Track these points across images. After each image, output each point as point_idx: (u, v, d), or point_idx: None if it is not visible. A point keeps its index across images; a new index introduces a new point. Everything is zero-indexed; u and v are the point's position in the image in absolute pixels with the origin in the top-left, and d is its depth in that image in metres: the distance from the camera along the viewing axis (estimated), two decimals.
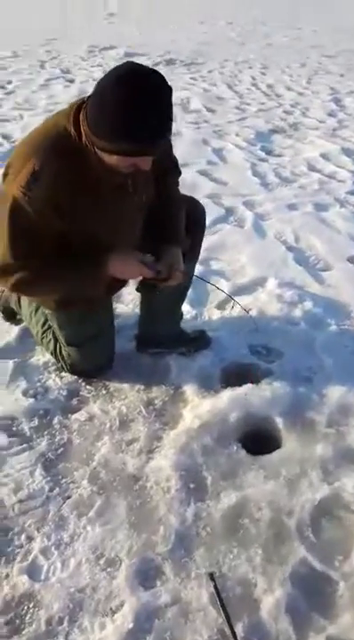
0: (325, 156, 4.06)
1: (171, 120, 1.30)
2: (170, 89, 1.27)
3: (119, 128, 1.26)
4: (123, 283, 1.86)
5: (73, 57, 7.84)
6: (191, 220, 1.79)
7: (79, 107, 1.40)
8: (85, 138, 1.38)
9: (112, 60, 7.70)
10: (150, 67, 1.28)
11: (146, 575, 1.38)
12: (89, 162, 1.41)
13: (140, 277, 1.69)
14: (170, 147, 1.72)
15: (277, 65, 7.52)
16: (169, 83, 1.28)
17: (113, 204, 1.52)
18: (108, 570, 1.40)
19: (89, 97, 1.35)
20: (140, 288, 1.93)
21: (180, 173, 1.83)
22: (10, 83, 6.23)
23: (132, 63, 1.27)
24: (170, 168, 1.75)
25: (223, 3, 14.82)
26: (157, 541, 1.45)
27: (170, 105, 1.28)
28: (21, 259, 1.50)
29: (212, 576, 1.35)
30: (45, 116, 5.14)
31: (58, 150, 1.40)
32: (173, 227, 1.71)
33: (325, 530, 1.45)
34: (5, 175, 1.47)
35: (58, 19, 11.93)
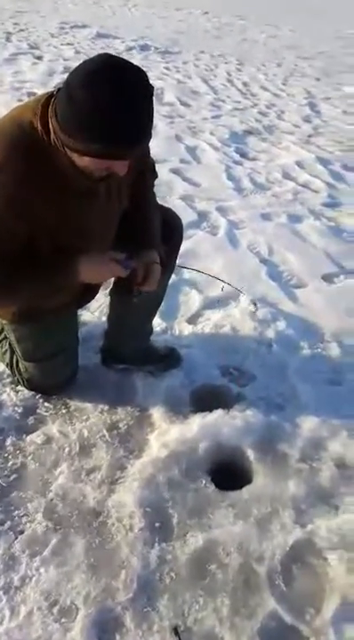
0: (299, 164, 4.01)
1: (151, 121, 1.16)
2: (151, 87, 1.13)
3: (93, 128, 1.10)
4: (94, 293, 1.71)
5: (42, 32, 7.50)
6: (168, 232, 1.66)
7: (48, 100, 1.23)
8: (54, 135, 1.21)
9: (84, 40, 7.41)
10: (130, 61, 1.13)
11: (104, 627, 1.26)
12: (57, 162, 1.24)
13: (113, 279, 1.54)
14: (148, 149, 1.57)
15: (253, 62, 7.44)
16: (149, 81, 1.13)
17: (82, 211, 1.36)
18: (63, 620, 1.27)
19: (59, 90, 1.18)
20: (113, 293, 1.78)
21: (156, 176, 1.69)
22: None
23: (111, 56, 1.11)
24: (147, 171, 1.61)
25: None
26: (118, 587, 1.33)
27: (150, 105, 1.13)
28: None
29: (176, 630, 1.25)
30: (11, 94, 4.87)
31: (20, 146, 1.23)
32: (149, 231, 1.58)
33: (296, 578, 1.38)
34: None
35: None
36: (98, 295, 2.20)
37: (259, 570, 1.39)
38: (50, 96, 1.24)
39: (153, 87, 1.15)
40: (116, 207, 1.50)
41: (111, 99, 1.07)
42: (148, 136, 1.18)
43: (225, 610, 1.30)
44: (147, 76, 1.13)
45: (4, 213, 1.26)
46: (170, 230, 1.69)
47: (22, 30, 7.62)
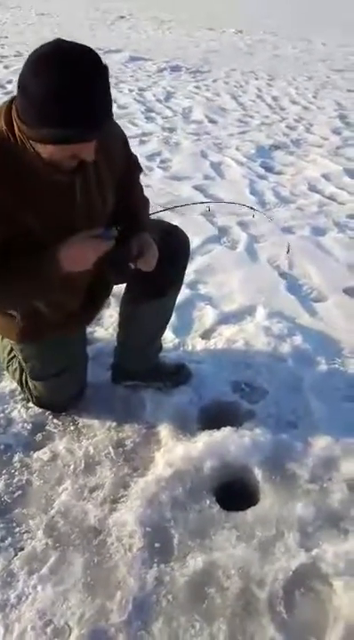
0: (326, 177, 3.94)
1: (107, 101, 1.15)
2: (105, 66, 1.12)
3: (48, 113, 1.10)
4: (99, 302, 1.71)
5: None
6: (173, 250, 1.65)
7: (11, 101, 1.23)
8: (18, 131, 1.21)
9: (116, 64, 7.60)
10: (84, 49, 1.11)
11: None
12: (26, 160, 1.24)
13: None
14: (126, 144, 1.56)
15: (284, 77, 7.42)
16: (101, 60, 1.12)
17: (60, 208, 1.34)
18: None
19: None
20: (124, 301, 1.74)
21: (140, 170, 1.67)
22: (10, 82, 6.10)
23: (59, 39, 1.12)
24: (130, 167, 1.59)
25: (235, 10, 14.75)
26: (113, 609, 1.31)
27: (105, 84, 1.13)
28: None
29: None
30: None
31: None
32: (137, 217, 1.53)
33: (298, 605, 1.31)
34: None
35: (68, 20, 11.83)
36: (110, 311, 2.24)
37: (259, 595, 1.33)
38: (13, 97, 1.24)
39: (106, 66, 1.13)
40: (100, 204, 1.45)
41: (62, 81, 1.07)
42: (105, 115, 1.16)
43: (222, 636, 1.26)
44: (98, 56, 1.12)
45: None
46: (175, 247, 1.67)
47: None
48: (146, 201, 1.66)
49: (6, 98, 4.26)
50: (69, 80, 1.07)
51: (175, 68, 7.51)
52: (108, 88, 1.15)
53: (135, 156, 1.64)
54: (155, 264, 1.48)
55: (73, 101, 1.08)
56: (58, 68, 1.07)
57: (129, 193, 1.57)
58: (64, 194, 1.35)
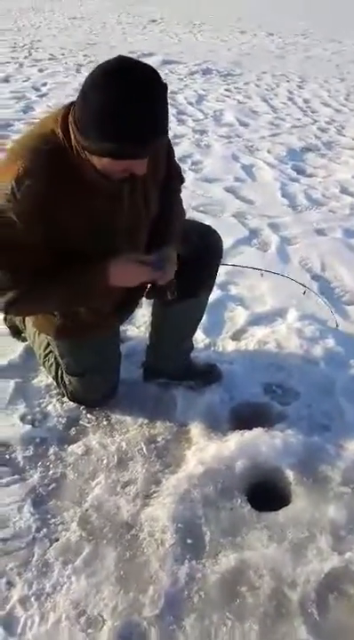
0: None
1: (165, 119, 1.17)
2: (164, 85, 1.14)
3: (106, 128, 1.13)
4: (133, 304, 1.74)
5: None
6: (206, 250, 1.66)
7: (68, 107, 1.27)
8: (74, 139, 1.24)
9: None
10: (148, 64, 1.15)
11: None
12: (79, 167, 1.28)
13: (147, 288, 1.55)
14: (172, 153, 1.58)
15: (315, 79, 7.36)
16: (162, 79, 1.15)
17: (106, 212, 1.38)
18: (89, 631, 1.28)
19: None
20: (151, 294, 1.72)
21: (183, 181, 1.69)
22: (45, 85, 6.21)
23: (122, 57, 1.14)
24: (173, 176, 1.60)
25: (266, 13, 14.69)
26: (145, 603, 1.32)
27: (163, 103, 1.15)
28: (10, 274, 1.36)
29: None
30: None
31: (44, 154, 1.27)
32: (168, 232, 1.56)
33: (331, 608, 1.31)
34: None
35: (100, 24, 11.97)
36: (143, 311, 2.26)
37: (291, 596, 1.33)
38: (71, 104, 1.27)
39: (166, 85, 1.16)
40: (144, 212, 1.49)
41: (122, 99, 1.10)
42: (162, 134, 1.19)
43: (253, 635, 1.26)
44: (158, 75, 1.15)
45: (33, 220, 1.29)
46: (209, 248, 1.69)
47: (92, 62, 8.00)
48: (181, 213, 1.67)
49: (40, 100, 4.34)
50: (129, 98, 1.10)
51: (207, 71, 7.52)
52: (166, 106, 1.17)
53: (179, 167, 1.66)
54: (171, 277, 1.49)
55: (130, 119, 1.12)
56: (119, 85, 1.10)
57: (167, 202, 1.59)
58: (112, 201, 1.38)
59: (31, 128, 1.37)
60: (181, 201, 1.66)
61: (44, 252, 1.36)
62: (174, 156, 1.60)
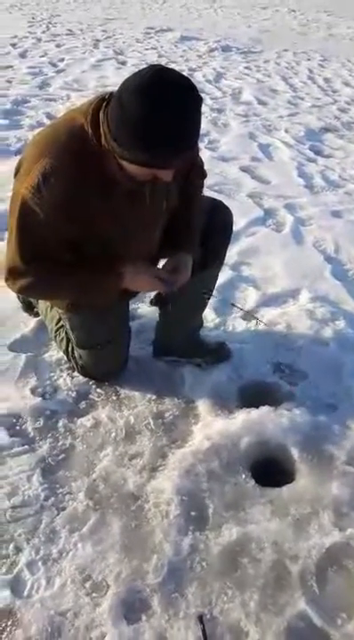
0: None
1: (197, 132, 1.21)
2: (198, 99, 1.16)
3: (139, 139, 1.16)
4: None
5: (128, 38, 7.72)
6: (217, 227, 1.67)
7: (99, 105, 1.28)
8: (104, 140, 1.27)
9: (168, 43, 7.55)
10: (182, 73, 1.17)
11: (132, 606, 1.30)
12: (105, 165, 1.31)
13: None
14: (197, 151, 1.60)
15: (338, 58, 7.19)
16: (198, 92, 1.17)
17: (129, 210, 1.42)
18: (93, 595, 1.32)
19: (110, 97, 1.24)
20: (154, 302, 1.80)
21: (205, 176, 1.71)
22: (62, 60, 6.16)
23: (160, 70, 1.15)
24: (194, 172, 1.63)
25: None
26: (148, 570, 1.36)
27: (196, 117, 1.18)
28: (30, 262, 1.42)
29: (201, 618, 1.26)
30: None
31: (72, 150, 1.30)
32: (188, 234, 1.61)
33: (330, 581, 1.33)
34: (17, 171, 1.39)
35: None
36: None
37: (292, 568, 1.36)
38: (101, 99, 1.29)
39: (201, 98, 1.18)
40: (163, 207, 1.52)
41: (157, 110, 1.11)
42: (194, 145, 1.24)
43: (253, 604, 1.29)
44: (195, 88, 1.16)
45: (56, 216, 1.34)
46: (219, 220, 1.70)
47: (109, 37, 7.90)
48: (202, 209, 1.68)
49: (57, 76, 4.31)
50: (164, 110, 1.11)
51: (226, 49, 7.39)
52: (199, 119, 1.19)
53: (201, 162, 1.67)
54: (186, 280, 1.55)
55: (163, 131, 1.14)
56: (154, 96, 1.11)
57: (188, 199, 1.61)
58: (134, 199, 1.41)
59: (59, 120, 1.39)
60: (201, 196, 1.68)
61: (62, 246, 1.42)
62: (198, 152, 1.60)
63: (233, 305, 2.09)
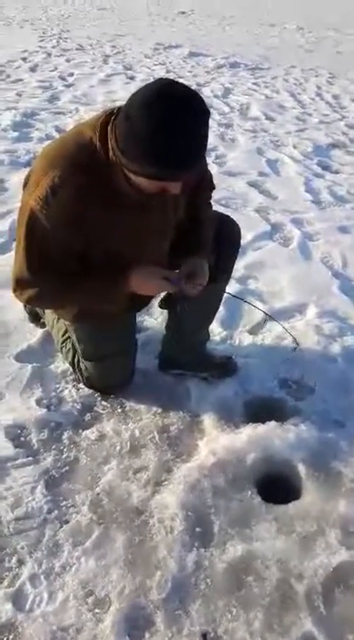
0: None
1: (205, 145, 1.22)
2: (205, 113, 1.17)
3: (147, 153, 1.16)
4: (147, 299, 1.76)
5: (137, 54, 7.81)
6: (225, 241, 1.68)
7: (107, 119, 1.30)
8: (112, 154, 1.28)
9: (176, 59, 7.64)
10: (189, 86, 1.18)
11: (135, 623, 1.28)
12: (113, 178, 1.32)
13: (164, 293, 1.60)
14: (205, 163, 1.61)
15: (346, 75, 7.24)
16: (205, 105, 1.18)
17: (137, 222, 1.42)
18: (96, 611, 1.30)
19: (119, 111, 1.25)
20: (163, 305, 1.81)
21: (213, 188, 1.72)
22: (71, 75, 6.24)
23: (168, 84, 1.16)
24: (203, 185, 1.63)
25: (297, 7, 14.49)
26: (152, 587, 1.34)
27: (205, 128, 1.18)
28: (38, 273, 1.42)
29: (205, 637, 1.24)
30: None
31: (80, 164, 1.31)
32: (199, 241, 1.60)
33: (337, 601, 1.31)
34: (26, 183, 1.40)
35: (128, 15, 11.97)
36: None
37: (298, 588, 1.33)
38: (110, 114, 1.31)
39: (209, 112, 1.19)
40: (172, 218, 1.54)
41: (164, 124, 1.12)
42: (202, 159, 1.25)
43: (258, 624, 1.27)
44: (203, 102, 1.17)
45: (64, 227, 1.35)
46: (226, 234, 1.70)
47: (119, 53, 8.01)
48: (212, 220, 1.69)
49: (66, 90, 4.37)
50: (174, 125, 1.12)
51: (234, 65, 7.46)
52: (207, 132, 1.20)
53: (210, 174, 1.69)
54: (201, 289, 1.53)
55: (171, 145, 1.14)
56: (161, 110, 1.12)
57: (197, 210, 1.62)
58: (141, 212, 1.42)
59: (68, 134, 1.41)
60: (210, 208, 1.69)
61: (70, 256, 1.43)
62: (206, 164, 1.61)
63: (245, 301, 2.06)
